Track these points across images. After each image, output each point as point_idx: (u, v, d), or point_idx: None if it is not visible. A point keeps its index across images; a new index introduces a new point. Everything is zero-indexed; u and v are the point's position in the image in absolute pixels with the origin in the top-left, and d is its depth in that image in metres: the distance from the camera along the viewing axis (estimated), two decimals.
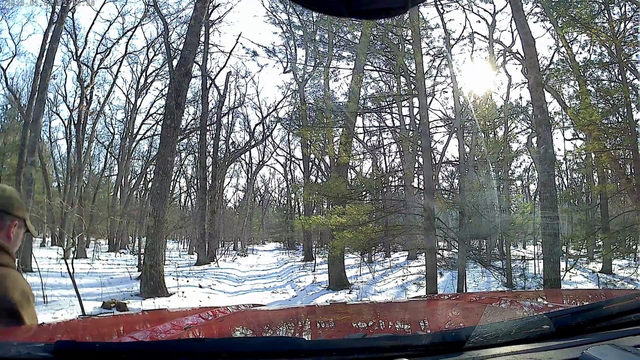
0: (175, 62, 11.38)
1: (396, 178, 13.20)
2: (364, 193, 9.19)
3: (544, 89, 8.54)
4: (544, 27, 11.93)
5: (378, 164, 19.27)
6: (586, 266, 12.17)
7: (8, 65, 17.91)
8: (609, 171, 10.86)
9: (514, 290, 7.42)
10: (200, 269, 13.77)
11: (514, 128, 13.61)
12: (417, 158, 13.42)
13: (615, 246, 8.86)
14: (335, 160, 9.49)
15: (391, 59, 9.73)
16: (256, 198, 35.51)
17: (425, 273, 7.89)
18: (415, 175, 13.80)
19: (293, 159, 24.43)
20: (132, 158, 22.14)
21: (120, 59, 19.12)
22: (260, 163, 26.64)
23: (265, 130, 22.10)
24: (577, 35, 10.12)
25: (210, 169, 18.34)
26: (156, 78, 20.26)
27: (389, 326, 1.15)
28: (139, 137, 21.56)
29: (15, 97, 18.13)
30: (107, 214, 19.35)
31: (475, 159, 9.75)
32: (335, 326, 1.16)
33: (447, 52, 10.50)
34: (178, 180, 24.50)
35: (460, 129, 9.05)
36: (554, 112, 12.82)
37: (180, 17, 16.27)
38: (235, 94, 24.17)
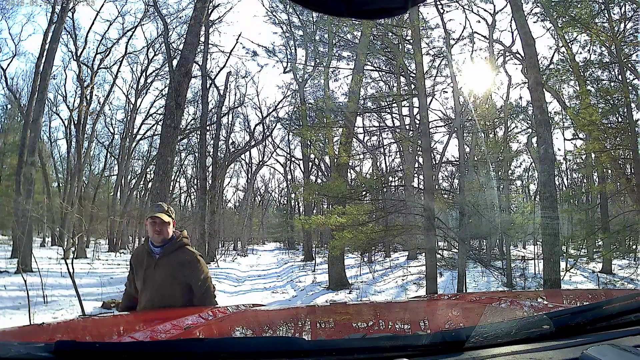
0: (175, 62, 11.37)
1: (396, 178, 13.19)
2: (364, 193, 9.18)
3: (544, 89, 8.54)
4: (544, 27, 11.94)
5: (378, 164, 19.28)
6: (586, 266, 12.17)
7: (8, 65, 17.95)
8: (609, 171, 10.85)
9: (514, 290, 7.43)
10: None
11: (514, 128, 13.63)
12: (417, 158, 13.42)
13: (615, 246, 8.85)
14: (335, 160, 9.49)
15: (391, 59, 9.72)
16: (256, 198, 35.50)
17: (425, 273, 7.89)
18: (415, 175, 13.79)
19: (293, 159, 24.44)
20: (132, 158, 22.13)
21: (120, 59, 19.14)
22: (260, 163, 26.65)
23: (265, 130, 22.10)
24: (577, 35, 10.12)
25: (210, 169, 18.33)
26: (156, 78, 20.28)
27: (389, 326, 1.15)
28: (139, 137, 21.57)
29: (15, 97, 18.13)
30: (107, 214, 19.34)
31: (475, 159, 9.74)
32: (335, 326, 1.16)
33: (447, 52, 10.50)
34: (178, 180, 24.50)
35: (460, 129, 9.04)
36: (554, 112, 12.84)
37: (180, 17, 16.29)
38: (235, 94, 24.20)
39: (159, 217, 2.02)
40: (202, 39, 14.63)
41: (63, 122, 19.91)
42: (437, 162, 14.05)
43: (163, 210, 2.06)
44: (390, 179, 12.86)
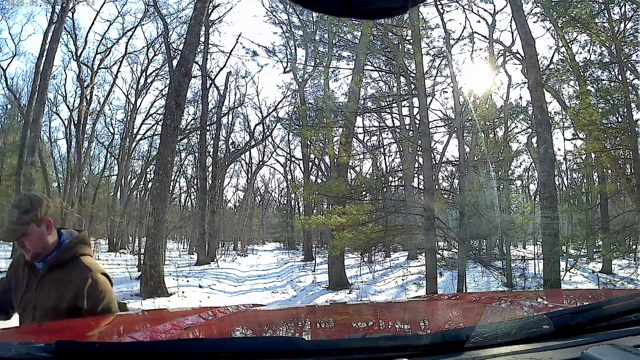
0: (175, 62, 11.38)
1: (396, 178, 13.20)
2: (364, 193, 9.19)
3: (544, 89, 8.54)
4: (544, 27, 11.94)
5: (378, 164, 19.27)
6: (586, 266, 12.17)
7: (8, 65, 17.90)
8: (609, 171, 10.86)
9: (514, 290, 7.43)
10: (200, 269, 13.77)
11: (514, 128, 13.63)
12: (417, 158, 13.42)
13: (615, 246, 8.86)
14: (335, 160, 9.49)
15: (391, 59, 9.73)
16: (256, 198, 35.50)
17: (425, 273, 7.89)
18: (415, 175, 13.80)
19: (293, 159, 24.43)
20: (132, 158, 22.13)
21: (120, 59, 19.13)
22: (260, 163, 26.64)
23: (265, 130, 22.11)
24: (577, 35, 10.13)
25: (210, 169, 18.33)
26: (156, 78, 20.26)
27: (389, 326, 1.15)
28: (139, 137, 21.56)
29: (15, 97, 18.12)
30: (107, 214, 19.35)
31: (475, 159, 9.74)
32: (335, 326, 1.16)
33: (447, 52, 10.51)
34: (178, 180, 24.50)
35: (460, 129, 9.05)
36: (554, 112, 12.84)
37: (180, 17, 16.29)
38: (235, 94, 24.18)
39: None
40: (202, 39, 14.64)
41: (63, 122, 19.91)
42: (437, 162, 14.06)
43: (12, 220, 1.34)
44: (390, 179, 12.86)
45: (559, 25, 9.36)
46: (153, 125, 21.22)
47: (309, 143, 11.61)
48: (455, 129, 9.62)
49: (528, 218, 9.03)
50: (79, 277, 1.36)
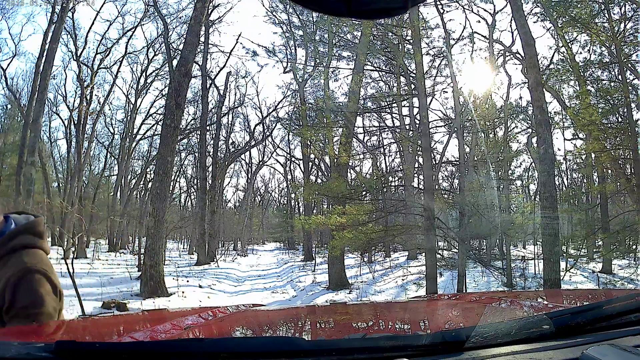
0: (175, 62, 11.38)
1: (396, 178, 13.20)
2: (364, 193, 9.20)
3: (544, 89, 8.55)
4: (544, 27, 11.94)
5: (378, 164, 19.26)
6: (586, 266, 12.17)
7: (8, 65, 17.88)
8: (609, 171, 10.86)
9: (514, 290, 7.42)
10: (200, 269, 13.77)
11: (514, 128, 13.64)
12: (417, 158, 13.42)
13: (615, 246, 8.86)
14: (335, 160, 9.50)
15: (391, 59, 9.73)
16: (256, 198, 35.50)
17: (425, 273, 7.90)
18: (415, 175, 13.80)
19: (293, 159, 24.43)
20: (132, 158, 22.12)
21: (120, 59, 19.12)
22: (260, 163, 26.63)
23: (265, 130, 22.11)
24: (577, 35, 10.13)
25: (210, 169, 18.34)
26: (156, 78, 20.25)
27: (389, 326, 1.15)
28: (139, 137, 21.56)
29: (15, 97, 18.11)
30: (107, 214, 19.34)
31: (475, 159, 9.74)
32: (335, 326, 1.16)
33: (447, 52, 10.50)
34: (178, 180, 24.51)
35: (460, 129, 9.06)
36: (554, 112, 12.85)
37: (180, 17, 16.30)
38: (235, 94, 24.19)
39: None
40: (202, 39, 14.65)
41: (63, 122, 19.89)
42: (437, 162, 14.05)
43: None
44: (390, 179, 12.87)
45: (559, 25, 9.37)
46: (153, 125, 21.24)
47: (309, 143, 11.62)
48: (455, 129, 9.63)
49: (528, 218, 9.04)
50: (10, 271, 1.11)
